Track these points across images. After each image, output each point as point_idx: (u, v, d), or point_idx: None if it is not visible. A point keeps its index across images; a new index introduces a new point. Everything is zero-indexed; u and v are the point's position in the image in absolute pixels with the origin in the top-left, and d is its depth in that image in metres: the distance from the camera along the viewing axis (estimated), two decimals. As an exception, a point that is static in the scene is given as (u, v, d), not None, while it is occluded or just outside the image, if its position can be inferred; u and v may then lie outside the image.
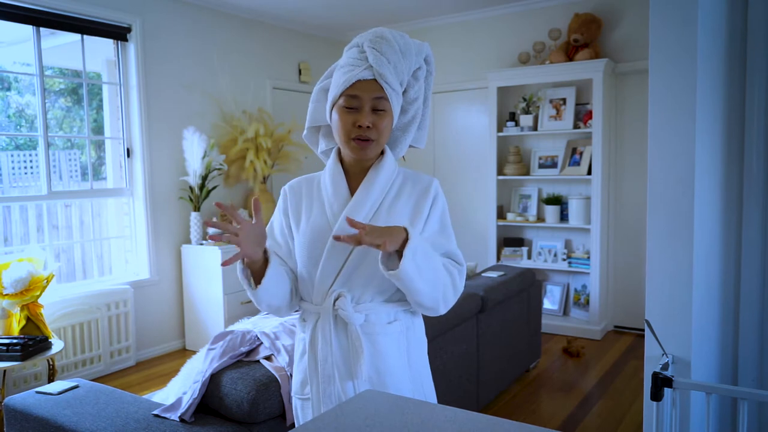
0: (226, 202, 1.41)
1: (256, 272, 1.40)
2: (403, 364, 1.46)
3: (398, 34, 1.43)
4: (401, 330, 1.46)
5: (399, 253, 1.31)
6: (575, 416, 3.28)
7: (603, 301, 4.80)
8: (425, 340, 1.57)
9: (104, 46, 4.33)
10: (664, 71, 1.73)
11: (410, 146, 1.58)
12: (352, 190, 1.47)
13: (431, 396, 1.55)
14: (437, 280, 1.38)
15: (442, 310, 1.43)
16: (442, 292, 1.40)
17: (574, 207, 4.81)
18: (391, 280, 1.32)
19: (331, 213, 1.45)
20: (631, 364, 4.10)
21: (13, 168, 4.19)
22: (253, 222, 1.35)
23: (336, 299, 1.41)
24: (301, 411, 1.52)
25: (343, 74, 1.39)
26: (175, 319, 4.65)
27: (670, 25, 1.71)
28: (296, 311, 1.55)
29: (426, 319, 2.65)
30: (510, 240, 5.22)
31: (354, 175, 1.48)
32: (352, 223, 1.28)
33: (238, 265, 1.41)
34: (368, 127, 1.38)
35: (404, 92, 1.47)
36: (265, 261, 1.40)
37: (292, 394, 1.54)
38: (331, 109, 1.43)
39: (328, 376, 1.42)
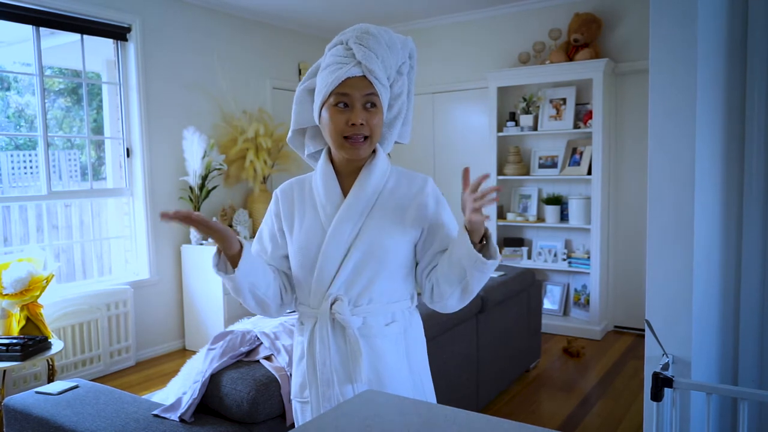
0: (203, 213, 1.40)
1: (232, 260, 1.38)
2: (403, 365, 1.45)
3: (382, 29, 1.41)
4: (399, 331, 1.45)
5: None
6: (575, 416, 3.28)
7: (603, 301, 4.80)
8: (424, 339, 1.55)
9: (104, 46, 4.32)
10: (664, 71, 1.73)
11: (395, 142, 1.56)
12: (345, 190, 1.44)
13: (431, 396, 1.54)
14: None
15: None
16: None
17: (574, 207, 4.81)
18: (475, 268, 1.30)
19: (324, 216, 1.43)
20: (631, 364, 4.10)
21: (13, 168, 4.19)
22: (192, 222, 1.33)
23: (333, 303, 1.39)
24: (300, 414, 1.51)
25: (331, 73, 1.36)
26: (175, 319, 4.65)
27: (670, 24, 1.71)
28: (291, 312, 1.55)
29: (426, 318, 2.65)
30: (510, 240, 5.22)
31: (346, 175, 1.46)
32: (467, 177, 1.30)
33: (213, 257, 1.40)
34: (361, 124, 1.36)
35: (389, 88, 1.45)
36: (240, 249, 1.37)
37: (292, 397, 1.53)
38: (320, 110, 1.40)
39: (327, 380, 1.40)
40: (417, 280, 1.49)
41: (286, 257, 1.50)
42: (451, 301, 1.41)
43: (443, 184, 5.43)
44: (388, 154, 1.56)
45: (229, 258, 1.37)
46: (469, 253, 1.29)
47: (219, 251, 1.38)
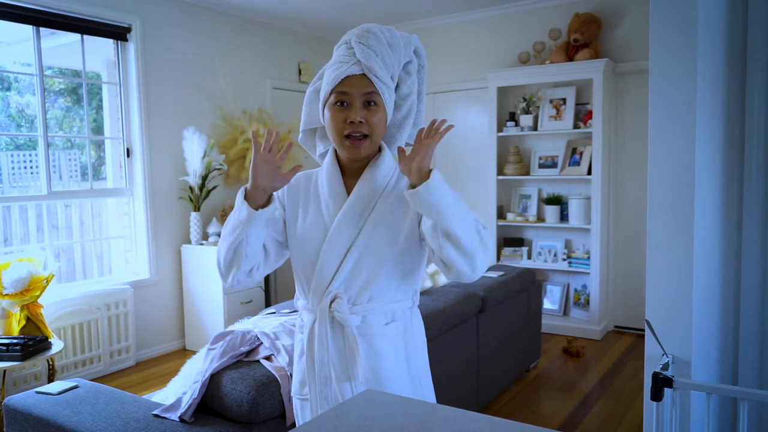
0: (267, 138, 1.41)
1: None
2: (401, 365, 1.44)
3: (385, 28, 1.42)
4: (399, 331, 1.44)
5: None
6: (575, 416, 3.28)
7: (603, 301, 4.80)
8: (425, 340, 1.55)
9: (104, 46, 4.33)
10: (664, 71, 1.73)
11: (407, 144, 1.55)
12: (349, 189, 1.45)
13: (430, 397, 1.53)
14: (466, 215, 1.30)
15: (478, 259, 1.30)
16: (476, 231, 1.30)
17: (574, 207, 4.81)
18: (420, 203, 1.26)
19: (327, 213, 1.43)
20: (631, 364, 4.10)
21: (13, 168, 4.19)
22: (277, 157, 1.36)
23: (332, 301, 1.39)
24: (300, 411, 1.51)
25: (333, 71, 1.38)
26: (175, 319, 4.65)
27: (670, 25, 1.71)
28: (291, 311, 1.55)
29: (426, 318, 2.65)
30: (510, 240, 5.22)
31: (351, 174, 1.46)
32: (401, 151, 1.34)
33: (240, 191, 1.40)
34: (360, 122, 1.36)
35: (397, 88, 1.45)
36: (267, 202, 1.39)
37: (292, 394, 1.53)
38: (323, 109, 1.42)
39: (325, 378, 1.41)
40: (434, 263, 1.41)
41: (275, 242, 1.48)
42: (451, 259, 1.29)
43: (443, 184, 5.43)
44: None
45: (253, 201, 1.39)
46: (409, 195, 1.28)
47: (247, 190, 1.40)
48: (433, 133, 1.29)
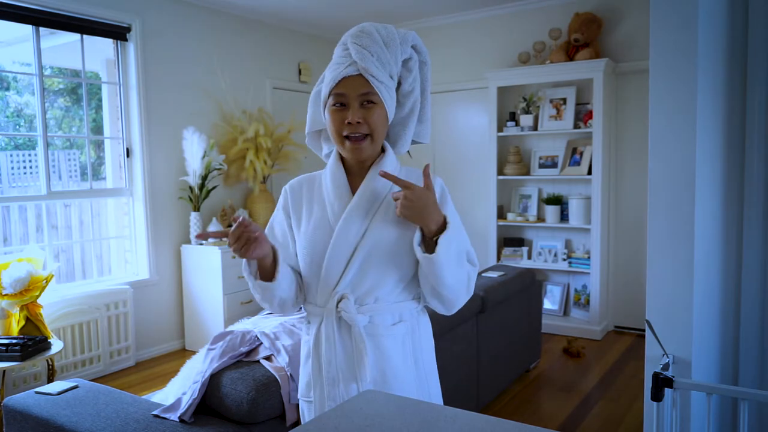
0: (227, 208, 1.40)
1: (265, 269, 1.39)
2: (409, 365, 1.44)
3: (382, 26, 1.42)
4: (406, 331, 1.44)
5: (431, 239, 1.35)
6: (575, 416, 3.28)
7: (603, 301, 4.79)
8: (432, 340, 1.54)
9: (104, 45, 4.32)
10: (664, 71, 1.73)
11: (414, 142, 1.55)
12: (354, 189, 1.44)
13: (437, 398, 1.53)
14: (460, 275, 1.38)
15: (457, 306, 1.43)
16: (465, 286, 1.41)
17: (575, 207, 4.80)
18: (422, 263, 1.33)
19: (332, 213, 1.43)
20: (631, 364, 4.10)
21: (13, 168, 4.18)
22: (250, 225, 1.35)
23: (339, 301, 1.39)
24: (307, 413, 1.50)
25: (330, 73, 1.40)
26: (175, 319, 4.64)
27: (670, 25, 1.71)
28: (298, 311, 1.54)
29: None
30: (510, 240, 5.22)
31: (355, 174, 1.46)
32: (385, 175, 1.34)
33: (243, 263, 1.41)
34: (358, 122, 1.36)
35: (398, 86, 1.45)
36: (274, 256, 1.39)
37: (299, 396, 1.53)
38: (324, 111, 1.43)
39: (333, 379, 1.40)
40: None
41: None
42: (433, 303, 1.43)
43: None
44: (408, 152, 1.56)
45: (263, 265, 1.39)
46: (414, 249, 1.35)
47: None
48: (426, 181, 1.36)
